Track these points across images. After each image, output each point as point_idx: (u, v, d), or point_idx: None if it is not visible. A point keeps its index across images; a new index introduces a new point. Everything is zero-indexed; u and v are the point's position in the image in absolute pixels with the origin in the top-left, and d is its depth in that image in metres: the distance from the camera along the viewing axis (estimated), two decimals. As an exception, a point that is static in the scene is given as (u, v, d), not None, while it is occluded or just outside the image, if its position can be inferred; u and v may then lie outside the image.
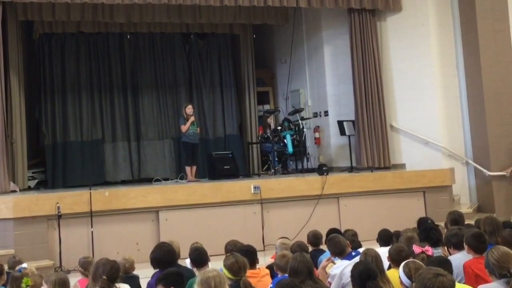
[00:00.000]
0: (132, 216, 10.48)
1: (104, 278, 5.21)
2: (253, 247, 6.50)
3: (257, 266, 6.37)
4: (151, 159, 14.57)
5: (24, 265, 6.55)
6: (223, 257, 5.67)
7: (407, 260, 5.07)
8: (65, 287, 5.35)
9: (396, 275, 5.35)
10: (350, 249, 6.64)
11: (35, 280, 5.21)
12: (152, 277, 5.97)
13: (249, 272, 5.86)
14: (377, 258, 5.57)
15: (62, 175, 13.67)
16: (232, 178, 12.82)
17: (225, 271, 5.31)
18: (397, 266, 5.59)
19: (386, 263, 5.95)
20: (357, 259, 5.74)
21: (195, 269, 6.29)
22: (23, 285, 5.20)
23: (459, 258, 5.81)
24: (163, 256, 6.03)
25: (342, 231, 8.37)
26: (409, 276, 4.73)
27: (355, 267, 4.97)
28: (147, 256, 6.19)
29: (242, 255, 5.96)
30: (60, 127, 13.94)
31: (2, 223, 9.79)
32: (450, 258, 5.95)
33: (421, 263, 5.01)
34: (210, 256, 6.54)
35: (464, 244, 5.89)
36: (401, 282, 4.87)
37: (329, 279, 6.09)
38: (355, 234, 7.82)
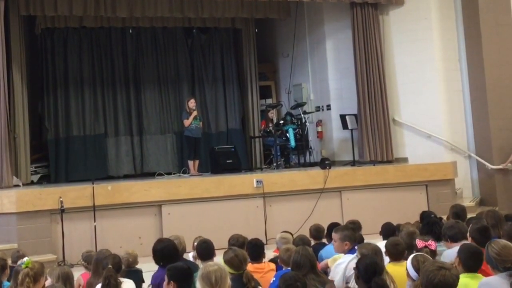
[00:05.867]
0: (134, 210, 10.50)
1: (110, 267, 5.24)
2: (261, 240, 6.52)
3: (264, 260, 6.38)
4: (154, 154, 14.58)
5: (25, 258, 6.57)
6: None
7: (416, 253, 5.07)
8: (69, 280, 5.37)
9: (394, 269, 5.35)
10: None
11: (36, 266, 5.22)
12: (158, 269, 5.98)
13: (252, 267, 5.87)
14: (376, 251, 5.56)
15: (65, 170, 13.70)
16: (235, 172, 12.83)
17: (225, 266, 5.31)
18: (394, 259, 5.61)
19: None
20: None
21: (199, 262, 6.31)
22: (23, 266, 5.20)
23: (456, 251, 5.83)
24: (164, 252, 6.01)
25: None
26: (417, 269, 4.71)
27: (361, 260, 4.96)
28: (150, 250, 6.19)
29: (250, 248, 5.97)
30: (62, 122, 13.96)
31: (6, 218, 9.81)
32: (449, 251, 5.95)
33: (429, 256, 5.02)
34: (213, 250, 6.53)
35: (468, 235, 5.89)
36: (408, 275, 4.88)
37: (331, 274, 6.08)
38: (355, 227, 7.77)
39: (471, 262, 4.99)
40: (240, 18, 14.99)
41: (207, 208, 10.85)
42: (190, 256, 7.14)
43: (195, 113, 12.99)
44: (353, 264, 5.29)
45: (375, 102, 13.53)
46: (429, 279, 4.03)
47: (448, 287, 4.03)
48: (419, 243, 5.74)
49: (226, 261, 5.34)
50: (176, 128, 14.78)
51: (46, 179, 13.54)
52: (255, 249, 6.24)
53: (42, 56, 14.06)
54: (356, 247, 6.28)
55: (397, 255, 5.60)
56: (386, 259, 5.94)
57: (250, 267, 5.78)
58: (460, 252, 5.14)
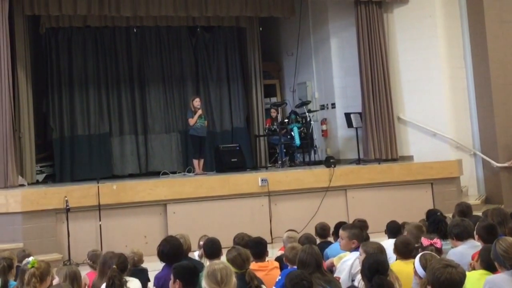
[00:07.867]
0: (140, 209, 10.50)
1: (114, 267, 5.25)
2: (264, 239, 6.51)
3: (267, 258, 6.37)
4: (158, 153, 14.60)
5: (30, 258, 6.58)
6: (231, 250, 5.66)
7: (424, 252, 5.06)
8: (76, 280, 5.39)
9: (402, 267, 5.35)
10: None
11: (42, 266, 5.23)
12: (162, 269, 5.98)
13: (256, 266, 5.87)
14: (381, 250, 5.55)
15: (70, 169, 13.71)
16: (240, 170, 12.82)
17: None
18: (403, 258, 5.60)
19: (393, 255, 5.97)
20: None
21: (205, 260, 6.31)
22: (29, 266, 5.22)
23: (463, 249, 5.82)
24: (169, 251, 6.01)
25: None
26: (425, 268, 4.69)
27: (367, 259, 4.96)
28: (155, 249, 6.19)
29: (252, 247, 5.96)
30: (67, 121, 13.97)
31: (11, 217, 9.82)
32: (454, 249, 5.94)
33: (436, 255, 5.02)
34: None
35: (475, 233, 5.88)
36: (415, 273, 4.88)
37: (337, 272, 6.08)
38: (363, 226, 7.77)
39: (491, 262, 4.94)
40: (244, 17, 14.98)
41: (212, 207, 10.85)
42: (195, 254, 7.14)
43: (200, 112, 12.98)
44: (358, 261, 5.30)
45: (379, 100, 13.52)
46: (435, 277, 4.02)
47: (455, 285, 4.02)
48: (425, 241, 5.73)
49: (229, 260, 5.34)
50: (180, 127, 14.79)
51: (51, 179, 13.56)
52: (258, 247, 6.23)
53: (46, 55, 14.07)
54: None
55: (406, 253, 5.59)
56: (393, 257, 5.95)
57: (253, 265, 5.78)
58: (483, 249, 5.18)
